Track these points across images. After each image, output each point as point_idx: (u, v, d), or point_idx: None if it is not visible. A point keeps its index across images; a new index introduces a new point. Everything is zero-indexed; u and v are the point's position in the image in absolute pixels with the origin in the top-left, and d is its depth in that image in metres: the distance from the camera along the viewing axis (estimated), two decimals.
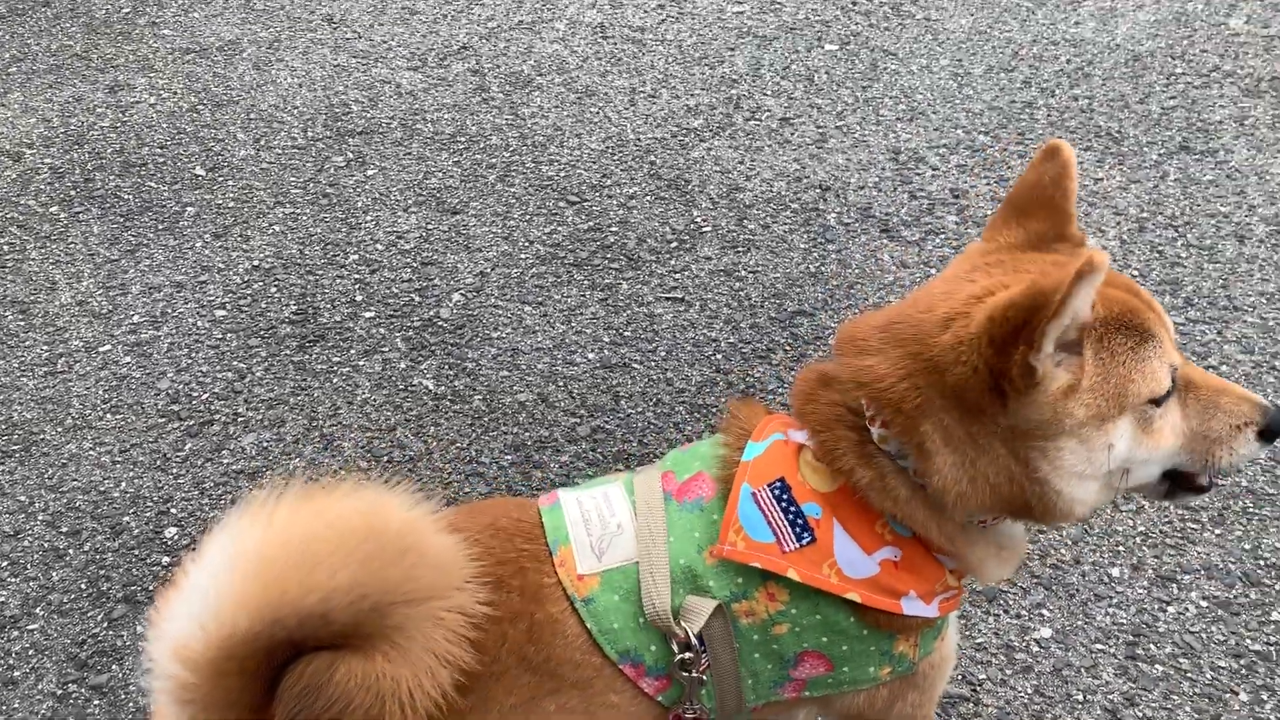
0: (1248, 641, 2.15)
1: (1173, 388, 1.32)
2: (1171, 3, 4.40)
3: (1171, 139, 3.62)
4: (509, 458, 2.61)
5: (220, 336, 3.00)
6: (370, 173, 3.67)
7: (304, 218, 3.46)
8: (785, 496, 1.34)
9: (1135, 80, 3.93)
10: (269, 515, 1.15)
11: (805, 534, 1.33)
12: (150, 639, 1.15)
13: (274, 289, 3.17)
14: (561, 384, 2.82)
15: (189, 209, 3.53)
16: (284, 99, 4.10)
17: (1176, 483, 1.41)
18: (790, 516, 1.33)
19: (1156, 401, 1.31)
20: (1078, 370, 1.26)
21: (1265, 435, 1.37)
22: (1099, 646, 2.15)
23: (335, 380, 2.85)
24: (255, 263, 3.28)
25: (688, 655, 1.33)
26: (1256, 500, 2.43)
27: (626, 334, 2.98)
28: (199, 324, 3.05)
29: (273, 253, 3.32)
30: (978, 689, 2.08)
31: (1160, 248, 3.17)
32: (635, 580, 1.35)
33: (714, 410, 2.73)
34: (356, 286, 3.17)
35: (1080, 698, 2.07)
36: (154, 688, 1.15)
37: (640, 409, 2.75)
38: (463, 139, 3.82)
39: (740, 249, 3.28)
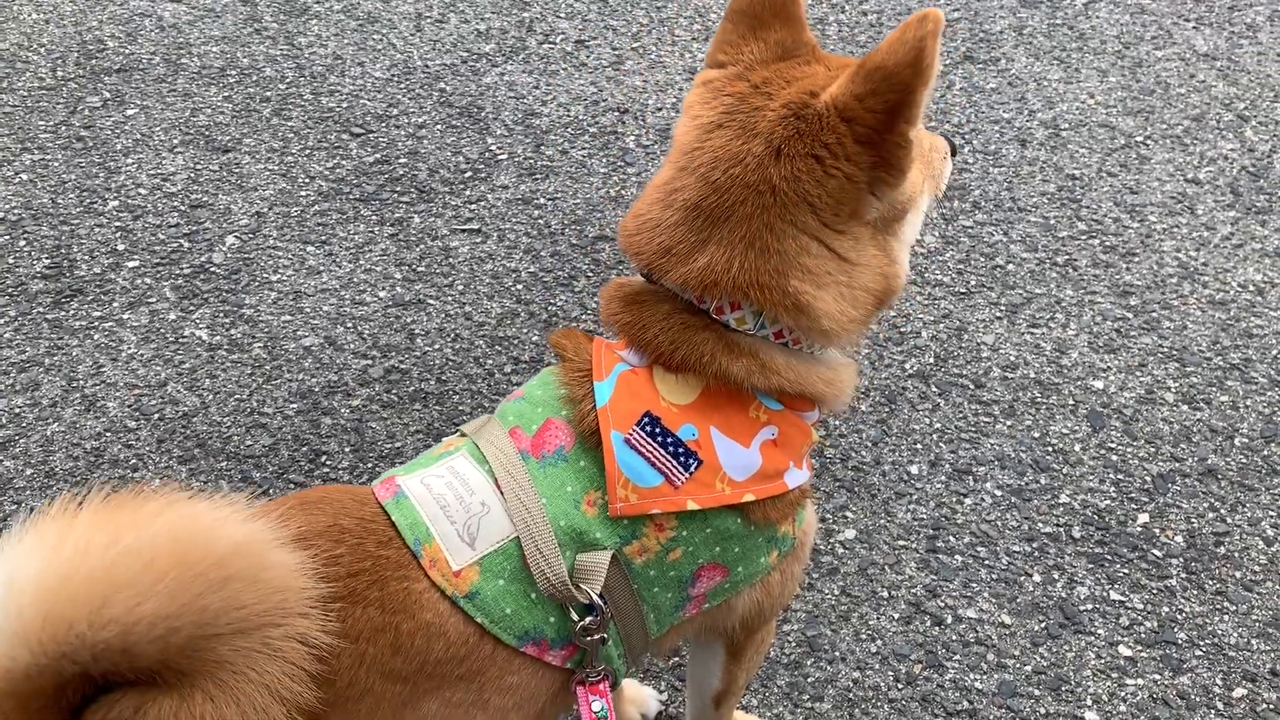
0: (1039, 525, 2.22)
1: None
2: None
3: (956, 49, 3.69)
4: (294, 406, 2.43)
5: None
6: (130, 112, 3.35)
7: (55, 164, 3.14)
8: (658, 429, 1.25)
9: None
10: (59, 535, 0.97)
11: (691, 460, 1.25)
12: None
13: (22, 242, 2.86)
14: (350, 325, 2.65)
15: None
16: (28, 37, 3.70)
17: None
18: (671, 448, 1.25)
19: None
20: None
21: (952, 154, 1.53)
22: (901, 543, 2.18)
23: (96, 337, 2.59)
24: (0, 215, 2.95)
25: (590, 620, 1.23)
26: (1044, 390, 2.51)
27: (420, 269, 2.83)
28: None
29: (20, 203, 2.99)
30: None
31: None
32: (517, 557, 1.23)
33: (516, 342, 2.63)
34: (118, 235, 2.89)
35: (885, 594, 2.09)
36: None
37: (437, 346, 2.61)
38: (233, 72, 3.54)
39: (538, 176, 3.16)
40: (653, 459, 1.24)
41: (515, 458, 1.27)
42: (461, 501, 1.24)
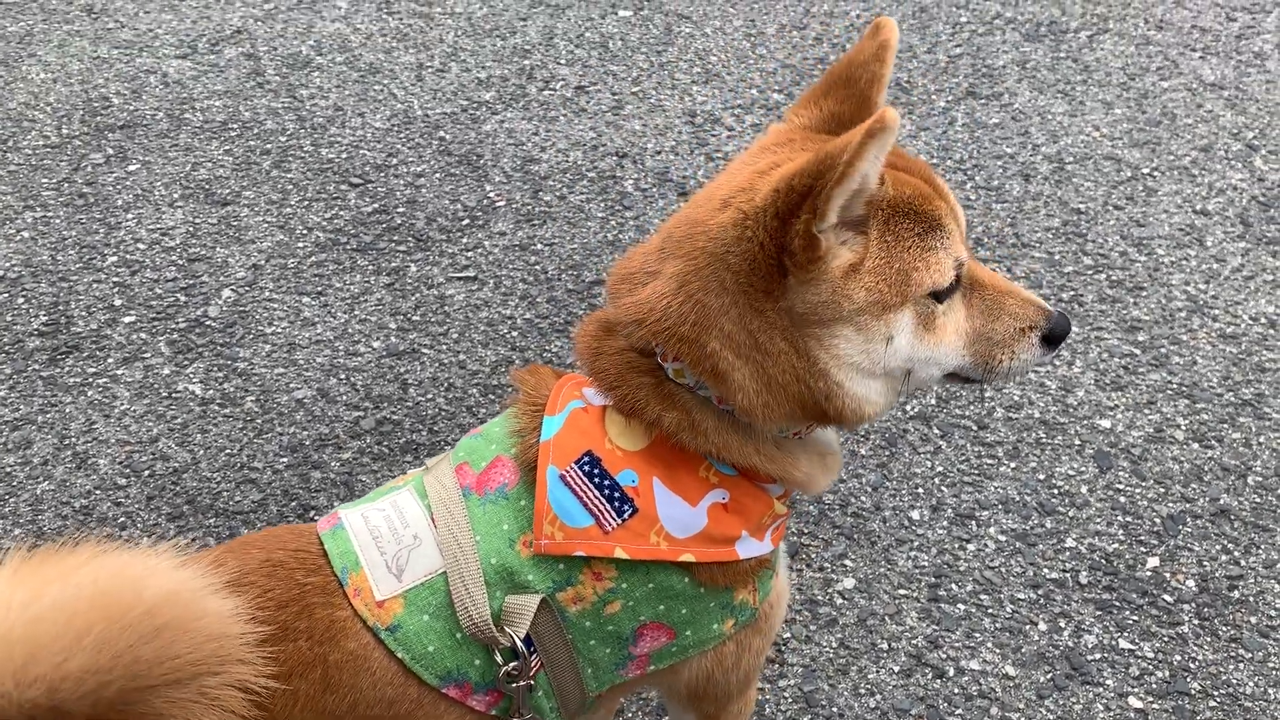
0: (1045, 571, 2.15)
1: (957, 284, 1.24)
2: None
3: (958, 85, 3.66)
4: (284, 460, 2.41)
5: None
6: (132, 168, 3.38)
7: (57, 221, 3.16)
8: (597, 470, 1.22)
9: (923, 31, 3.96)
10: None
11: (625, 506, 1.21)
12: None
13: (21, 300, 2.87)
14: (344, 376, 2.63)
15: None
16: (35, 96, 3.75)
17: (952, 376, 1.32)
18: (606, 491, 1.21)
19: (939, 296, 1.22)
20: (861, 250, 1.18)
21: (1049, 341, 1.29)
22: (902, 592, 2.11)
23: (90, 393, 2.59)
24: (0, 273, 2.96)
25: (514, 665, 1.20)
26: (1049, 430, 2.44)
27: (415, 318, 2.81)
28: None
29: (20, 261, 3.01)
30: (782, 649, 2.01)
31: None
32: (445, 593, 1.20)
33: (509, 390, 2.59)
34: (115, 290, 2.90)
35: (885, 646, 2.02)
36: None
37: (430, 396, 2.59)
38: (235, 126, 3.56)
39: (536, 222, 3.14)
40: (586, 499, 1.21)
41: (455, 493, 1.25)
42: (395, 533, 1.23)
